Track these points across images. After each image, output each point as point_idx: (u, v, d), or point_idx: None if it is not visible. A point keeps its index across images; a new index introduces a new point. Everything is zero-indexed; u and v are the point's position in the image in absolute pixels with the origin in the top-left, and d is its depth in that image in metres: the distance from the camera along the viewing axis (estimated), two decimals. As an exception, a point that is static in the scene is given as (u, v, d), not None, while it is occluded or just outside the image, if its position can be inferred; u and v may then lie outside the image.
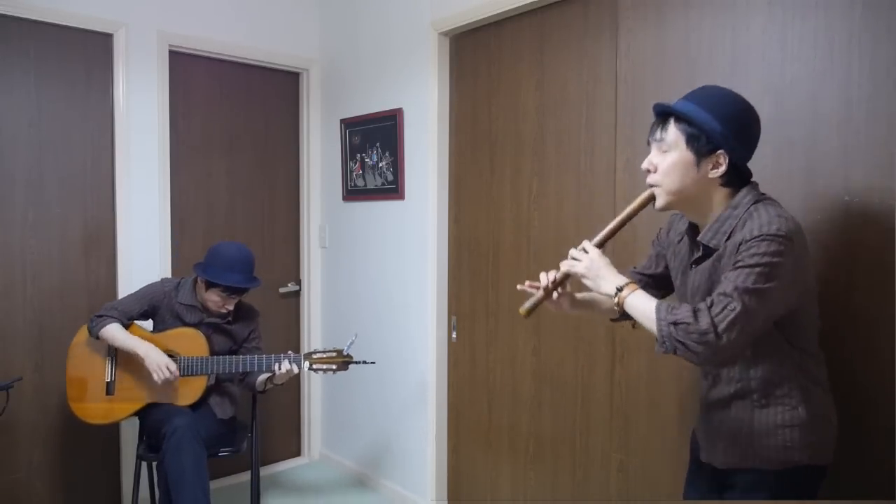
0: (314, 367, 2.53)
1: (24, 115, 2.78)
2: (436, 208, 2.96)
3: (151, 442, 2.51)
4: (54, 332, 2.85)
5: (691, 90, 1.48)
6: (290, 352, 2.54)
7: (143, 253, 3.07)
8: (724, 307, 1.29)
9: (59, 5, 2.80)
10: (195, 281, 2.64)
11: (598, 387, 2.39)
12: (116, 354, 2.55)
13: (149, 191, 3.08)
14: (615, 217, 1.56)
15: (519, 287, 1.70)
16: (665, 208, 1.48)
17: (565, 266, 1.56)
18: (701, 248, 1.46)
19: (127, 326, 2.53)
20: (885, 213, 1.68)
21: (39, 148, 2.83)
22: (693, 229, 1.54)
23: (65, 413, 2.53)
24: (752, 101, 1.90)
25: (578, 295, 1.69)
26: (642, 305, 1.41)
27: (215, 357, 2.54)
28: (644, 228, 2.13)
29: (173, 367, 2.45)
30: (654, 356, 2.16)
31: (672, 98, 2.10)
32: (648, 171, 1.47)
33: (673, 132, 1.41)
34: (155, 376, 2.43)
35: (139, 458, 2.58)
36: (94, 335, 2.49)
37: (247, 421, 2.83)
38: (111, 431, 2.99)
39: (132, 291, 2.67)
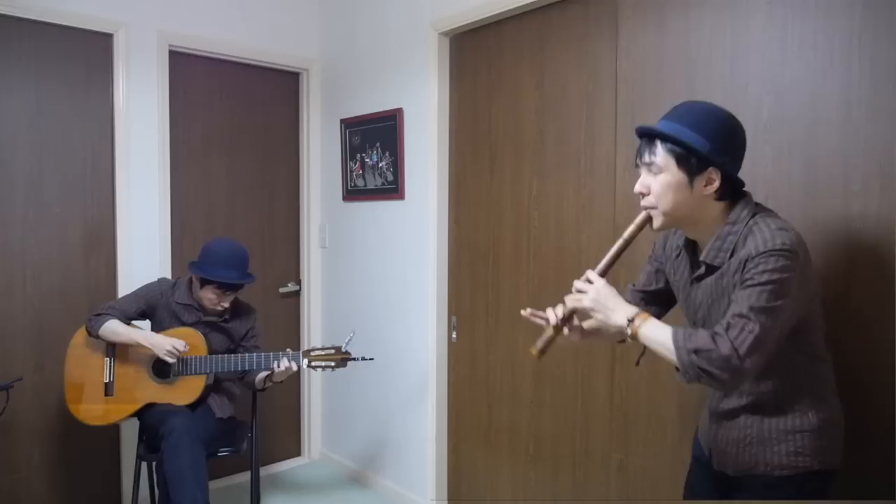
0: (313, 364, 2.53)
1: (24, 115, 2.78)
2: (436, 208, 2.96)
3: (150, 442, 2.51)
4: (54, 332, 2.85)
5: (672, 108, 1.45)
6: (288, 349, 2.54)
7: (143, 253, 3.07)
8: (742, 329, 1.28)
9: (59, 5, 2.80)
10: (191, 280, 2.64)
11: (598, 387, 2.39)
12: (114, 355, 2.55)
13: (149, 191, 3.08)
14: (614, 243, 1.52)
15: (522, 313, 1.63)
16: (662, 229, 1.47)
17: (571, 301, 1.51)
18: (703, 265, 1.45)
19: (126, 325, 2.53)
20: (885, 212, 1.68)
21: (39, 148, 2.83)
22: (690, 244, 1.53)
23: (65, 413, 2.53)
24: (752, 101, 1.92)
25: (586, 324, 1.63)
26: (657, 335, 1.38)
27: (214, 356, 2.54)
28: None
29: (180, 344, 2.45)
30: (654, 356, 2.16)
31: (672, 99, 2.11)
32: (642, 195, 1.45)
33: (662, 155, 1.39)
34: (167, 358, 2.44)
35: (139, 457, 2.58)
36: (94, 334, 2.48)
37: (247, 421, 2.83)
38: (111, 431, 2.99)
39: (130, 292, 2.68)
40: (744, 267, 1.33)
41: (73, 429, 2.54)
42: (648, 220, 1.45)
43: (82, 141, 2.93)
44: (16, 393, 2.56)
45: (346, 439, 3.60)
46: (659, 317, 1.69)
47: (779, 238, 1.31)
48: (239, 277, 2.56)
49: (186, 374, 2.53)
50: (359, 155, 3.39)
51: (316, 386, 3.77)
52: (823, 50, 1.78)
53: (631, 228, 1.48)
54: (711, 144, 1.37)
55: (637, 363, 1.64)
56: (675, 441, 2.15)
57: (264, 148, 3.55)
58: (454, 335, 2.99)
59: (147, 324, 2.67)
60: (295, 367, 2.51)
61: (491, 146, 2.78)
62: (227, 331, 2.69)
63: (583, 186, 2.42)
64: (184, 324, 2.59)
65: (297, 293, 3.73)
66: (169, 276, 3.08)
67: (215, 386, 2.70)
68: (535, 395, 2.62)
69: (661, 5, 2.15)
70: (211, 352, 2.57)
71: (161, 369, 2.55)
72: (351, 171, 3.46)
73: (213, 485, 3.25)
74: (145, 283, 2.72)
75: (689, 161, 1.37)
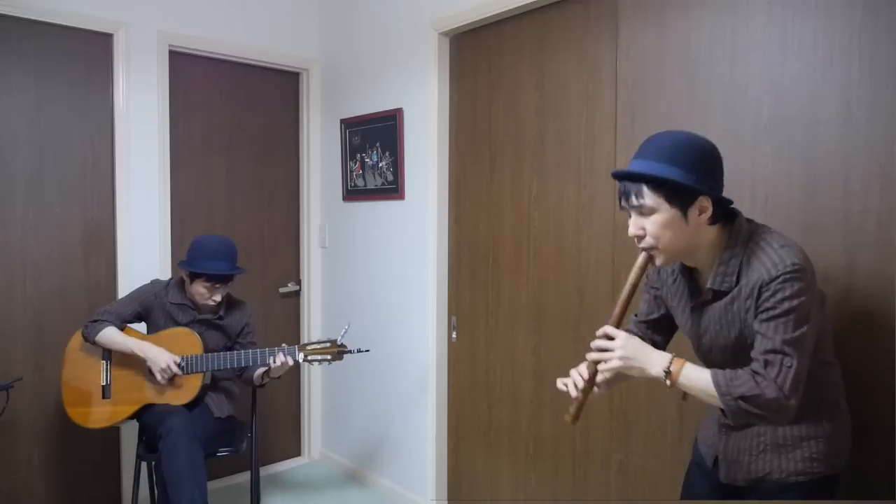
0: (309, 358, 2.52)
1: (24, 115, 2.78)
2: (436, 208, 2.96)
3: (150, 442, 2.51)
4: (54, 332, 2.85)
5: (643, 145, 1.41)
6: (284, 344, 2.53)
7: (143, 253, 3.07)
8: (781, 365, 1.29)
9: (59, 5, 2.80)
10: (183, 279, 2.64)
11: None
12: (111, 357, 2.55)
13: (149, 191, 3.08)
14: (621, 292, 1.48)
15: (559, 386, 1.58)
16: (665, 265, 1.46)
17: (594, 357, 1.46)
18: (710, 291, 1.44)
19: (121, 329, 2.53)
20: (885, 213, 1.68)
21: (39, 148, 2.83)
22: (687, 269, 1.52)
23: (64, 413, 2.53)
24: (752, 101, 1.92)
25: (609, 375, 1.58)
26: (697, 381, 1.36)
27: (210, 354, 2.53)
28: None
29: (175, 365, 2.45)
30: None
31: (672, 99, 2.11)
32: (638, 237, 1.42)
33: (650, 196, 1.36)
34: (159, 377, 2.44)
35: (139, 457, 2.58)
36: (91, 340, 2.49)
37: (246, 420, 2.83)
38: (111, 431, 2.99)
39: (127, 293, 2.67)
40: (759, 294, 1.33)
41: (73, 429, 2.53)
42: (650, 260, 1.43)
43: (82, 141, 2.94)
44: (16, 393, 2.56)
45: (346, 439, 3.60)
46: (665, 344, 1.71)
47: (787, 258, 1.31)
48: (227, 269, 2.55)
49: (183, 374, 2.53)
50: (359, 155, 3.39)
51: (316, 386, 3.77)
52: (823, 50, 1.78)
53: (635, 273, 1.44)
54: (695, 174, 1.34)
55: (684, 398, 1.62)
56: (675, 441, 2.15)
57: (264, 148, 3.56)
58: (454, 335, 2.99)
59: (143, 326, 2.67)
60: (291, 362, 2.50)
61: (491, 146, 2.78)
62: (223, 328, 2.69)
63: (583, 186, 2.42)
64: (178, 324, 2.59)
65: (297, 293, 3.73)
66: (169, 276, 3.08)
67: (213, 385, 2.70)
68: (535, 395, 2.62)
69: (661, 5, 2.15)
70: (207, 350, 2.57)
71: None
72: (351, 171, 3.46)
73: (213, 485, 3.25)
74: (145, 282, 2.72)
75: (679, 196, 1.35)
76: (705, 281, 1.48)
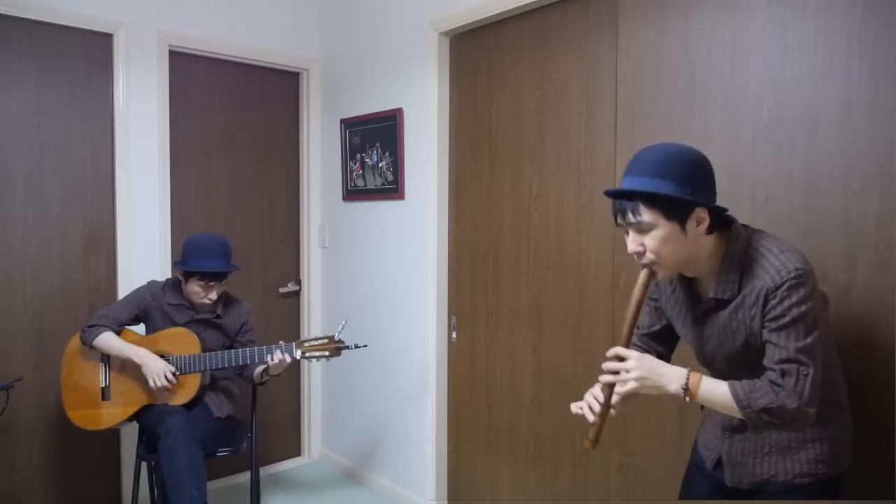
0: (307, 354, 2.51)
1: (24, 115, 2.78)
2: (436, 208, 2.96)
3: (149, 442, 2.51)
4: (54, 332, 2.85)
5: (632, 162, 1.40)
6: (281, 342, 2.53)
7: (143, 253, 3.07)
8: (798, 374, 1.29)
9: (59, 5, 2.80)
10: (179, 279, 2.64)
11: (598, 387, 2.39)
12: (109, 359, 2.55)
13: (149, 191, 3.08)
14: (626, 312, 1.46)
15: (574, 410, 1.56)
16: (667, 279, 1.46)
17: (608, 380, 1.43)
18: (714, 300, 1.44)
19: (119, 332, 2.54)
20: (885, 213, 1.68)
21: (39, 148, 2.83)
22: (685, 279, 1.52)
23: (65, 414, 2.53)
24: (752, 101, 1.92)
25: (623, 395, 1.56)
26: (715, 396, 1.36)
27: (207, 353, 2.53)
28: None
29: (171, 373, 2.46)
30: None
31: (672, 99, 2.11)
32: (638, 254, 1.41)
33: (647, 213, 1.35)
34: (153, 384, 2.45)
35: (139, 457, 2.58)
36: (89, 345, 2.49)
37: (246, 420, 2.83)
38: (111, 431, 2.98)
39: (124, 296, 2.68)
40: (765, 302, 1.33)
41: (73, 429, 2.53)
42: (651, 275, 1.42)
43: (82, 141, 2.93)
44: (16, 393, 2.56)
45: (346, 439, 3.60)
46: (669, 354, 1.71)
47: (789, 263, 1.31)
48: (219, 266, 2.55)
49: (182, 374, 2.53)
50: (359, 155, 3.39)
51: (316, 386, 3.77)
52: (823, 50, 1.78)
53: (639, 290, 1.43)
54: (689, 187, 1.34)
55: (702, 409, 1.61)
56: (675, 441, 2.15)
57: (264, 148, 3.55)
58: (454, 335, 2.99)
59: (142, 328, 2.67)
60: (289, 359, 2.50)
61: (491, 146, 2.78)
62: (221, 327, 2.69)
63: (583, 186, 2.42)
64: (176, 324, 2.59)
65: (297, 293, 3.73)
66: (169, 276, 3.08)
67: (213, 385, 2.70)
68: (535, 395, 2.62)
69: (661, 5, 2.15)
70: (206, 350, 2.57)
71: None
72: (351, 171, 3.46)
73: (213, 485, 3.25)
74: (145, 282, 2.72)
75: (676, 210, 1.35)
76: (705, 290, 1.48)
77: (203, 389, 2.62)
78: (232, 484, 3.40)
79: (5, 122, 2.74)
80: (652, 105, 2.19)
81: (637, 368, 1.38)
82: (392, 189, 3.18)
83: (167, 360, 2.50)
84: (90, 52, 2.93)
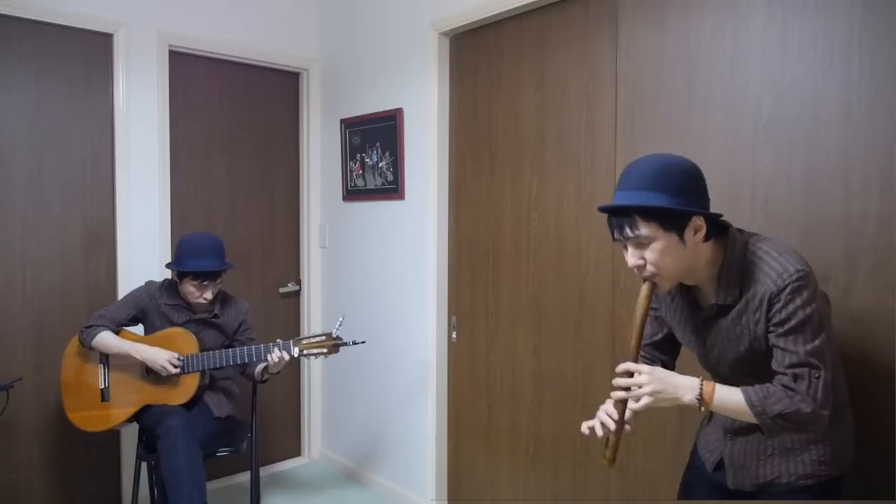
0: (305, 352, 2.51)
1: (24, 115, 2.78)
2: (436, 208, 2.96)
3: (149, 442, 2.51)
4: (54, 332, 2.85)
5: (623, 176, 1.40)
6: (278, 340, 2.53)
7: (143, 253, 3.07)
8: (810, 377, 1.29)
9: (59, 5, 2.80)
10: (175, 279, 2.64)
11: (598, 387, 2.39)
12: (108, 360, 2.55)
13: (149, 191, 3.08)
14: (632, 326, 1.45)
15: (584, 430, 1.53)
16: (668, 289, 1.46)
17: (621, 396, 1.41)
18: (716, 306, 1.44)
19: (117, 333, 2.54)
20: (885, 213, 1.68)
21: (39, 148, 2.83)
22: (683, 286, 1.52)
23: (65, 416, 2.53)
24: (752, 101, 1.92)
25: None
26: (730, 403, 1.36)
27: (205, 353, 2.52)
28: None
29: (174, 358, 2.46)
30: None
31: (672, 99, 2.11)
32: (638, 267, 1.41)
33: (644, 227, 1.35)
34: (164, 373, 2.45)
35: (139, 457, 2.58)
36: (87, 346, 2.49)
37: (246, 420, 2.83)
38: (111, 432, 2.98)
39: (120, 298, 2.68)
40: (769, 306, 1.33)
41: (73, 429, 2.54)
42: (654, 287, 1.42)
43: (82, 141, 2.93)
44: (16, 393, 2.56)
45: (346, 439, 3.60)
46: (673, 362, 1.71)
47: (789, 265, 1.31)
48: (212, 265, 2.53)
49: (181, 374, 2.52)
50: (359, 155, 3.39)
51: (316, 386, 3.77)
52: (823, 50, 1.78)
53: (642, 304, 1.42)
54: (683, 196, 1.34)
55: (701, 409, 1.60)
56: (675, 441, 2.15)
57: (264, 148, 3.55)
58: (454, 335, 2.99)
59: (140, 328, 2.67)
60: (287, 357, 2.50)
61: (491, 146, 2.78)
62: (219, 326, 2.68)
63: (583, 186, 2.42)
64: (174, 324, 2.59)
65: (297, 293, 3.73)
66: (169, 277, 3.08)
67: (212, 385, 2.70)
68: (535, 395, 2.62)
69: (661, 5, 2.15)
70: (204, 349, 2.57)
71: (154, 371, 2.55)
72: (351, 171, 3.46)
73: (213, 485, 3.26)
74: (139, 285, 2.72)
75: (673, 221, 1.35)
76: (705, 296, 1.48)
77: (202, 389, 2.62)
78: (232, 484, 3.40)
79: (5, 122, 2.74)
80: (652, 105, 2.19)
81: (650, 383, 1.37)
82: (392, 189, 3.18)
83: None
84: (90, 52, 2.93)
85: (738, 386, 1.37)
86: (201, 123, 3.31)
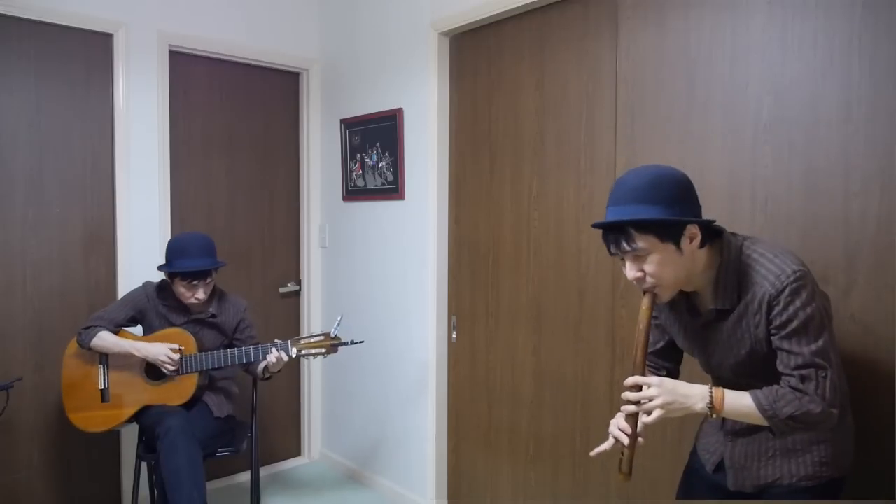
0: (303, 352, 2.51)
1: (24, 115, 2.78)
2: (436, 208, 2.96)
3: (149, 442, 2.51)
4: (54, 332, 2.85)
5: (615, 190, 1.41)
6: (276, 340, 2.53)
7: (143, 253, 3.07)
8: (818, 377, 1.30)
9: (59, 5, 2.80)
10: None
11: (598, 387, 2.39)
12: (108, 361, 2.55)
13: (149, 191, 3.08)
14: (635, 338, 1.46)
15: (593, 453, 1.56)
16: (669, 299, 1.46)
17: (632, 410, 1.41)
18: (714, 311, 1.44)
19: (115, 334, 2.54)
20: (885, 213, 1.68)
21: (39, 148, 2.83)
22: (681, 292, 1.51)
23: (66, 416, 2.54)
24: (752, 101, 1.92)
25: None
26: (740, 408, 1.36)
27: (203, 353, 2.52)
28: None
29: (174, 350, 2.46)
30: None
31: (672, 99, 2.11)
32: (638, 280, 1.41)
33: (641, 240, 1.36)
34: (166, 368, 2.45)
35: (139, 457, 2.58)
36: (86, 346, 2.49)
37: (246, 420, 2.83)
38: (111, 432, 2.98)
39: (118, 299, 2.67)
40: (769, 308, 1.33)
41: (73, 429, 2.54)
42: (654, 298, 1.43)
43: (82, 141, 2.93)
44: (16, 393, 2.56)
45: (346, 439, 3.60)
46: (677, 368, 1.71)
47: (786, 266, 1.32)
48: (201, 264, 2.51)
49: (180, 374, 2.52)
50: (359, 155, 3.39)
51: (316, 386, 3.77)
52: (823, 50, 1.78)
53: (644, 316, 1.43)
54: (677, 207, 1.35)
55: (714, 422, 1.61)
56: (675, 441, 2.15)
57: (264, 148, 3.56)
58: (454, 335, 2.99)
59: (139, 329, 2.67)
60: (285, 357, 2.50)
61: (491, 146, 2.77)
62: (218, 326, 2.68)
63: (583, 186, 2.42)
64: (173, 325, 2.59)
65: (297, 293, 3.73)
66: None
67: (212, 385, 2.70)
68: (535, 395, 2.62)
69: (661, 5, 2.15)
70: (204, 349, 2.57)
71: (154, 371, 2.55)
72: (351, 171, 3.46)
73: (213, 485, 3.26)
74: (140, 284, 2.72)
75: (668, 231, 1.35)
76: (703, 301, 1.48)
77: (202, 389, 2.62)
78: (232, 484, 3.40)
79: (5, 122, 2.74)
80: (652, 105, 2.19)
81: (660, 395, 1.37)
82: (392, 189, 3.18)
83: None
84: (90, 52, 2.93)
85: (741, 389, 1.37)
86: (201, 123, 3.31)
